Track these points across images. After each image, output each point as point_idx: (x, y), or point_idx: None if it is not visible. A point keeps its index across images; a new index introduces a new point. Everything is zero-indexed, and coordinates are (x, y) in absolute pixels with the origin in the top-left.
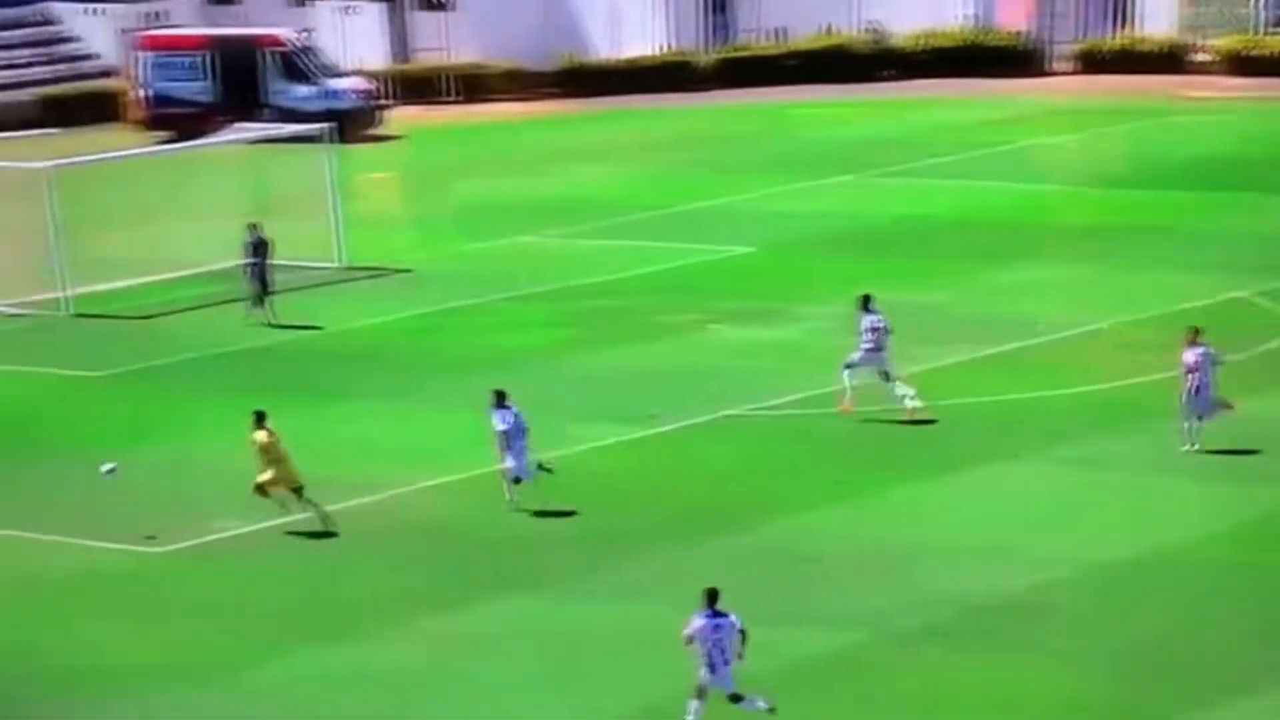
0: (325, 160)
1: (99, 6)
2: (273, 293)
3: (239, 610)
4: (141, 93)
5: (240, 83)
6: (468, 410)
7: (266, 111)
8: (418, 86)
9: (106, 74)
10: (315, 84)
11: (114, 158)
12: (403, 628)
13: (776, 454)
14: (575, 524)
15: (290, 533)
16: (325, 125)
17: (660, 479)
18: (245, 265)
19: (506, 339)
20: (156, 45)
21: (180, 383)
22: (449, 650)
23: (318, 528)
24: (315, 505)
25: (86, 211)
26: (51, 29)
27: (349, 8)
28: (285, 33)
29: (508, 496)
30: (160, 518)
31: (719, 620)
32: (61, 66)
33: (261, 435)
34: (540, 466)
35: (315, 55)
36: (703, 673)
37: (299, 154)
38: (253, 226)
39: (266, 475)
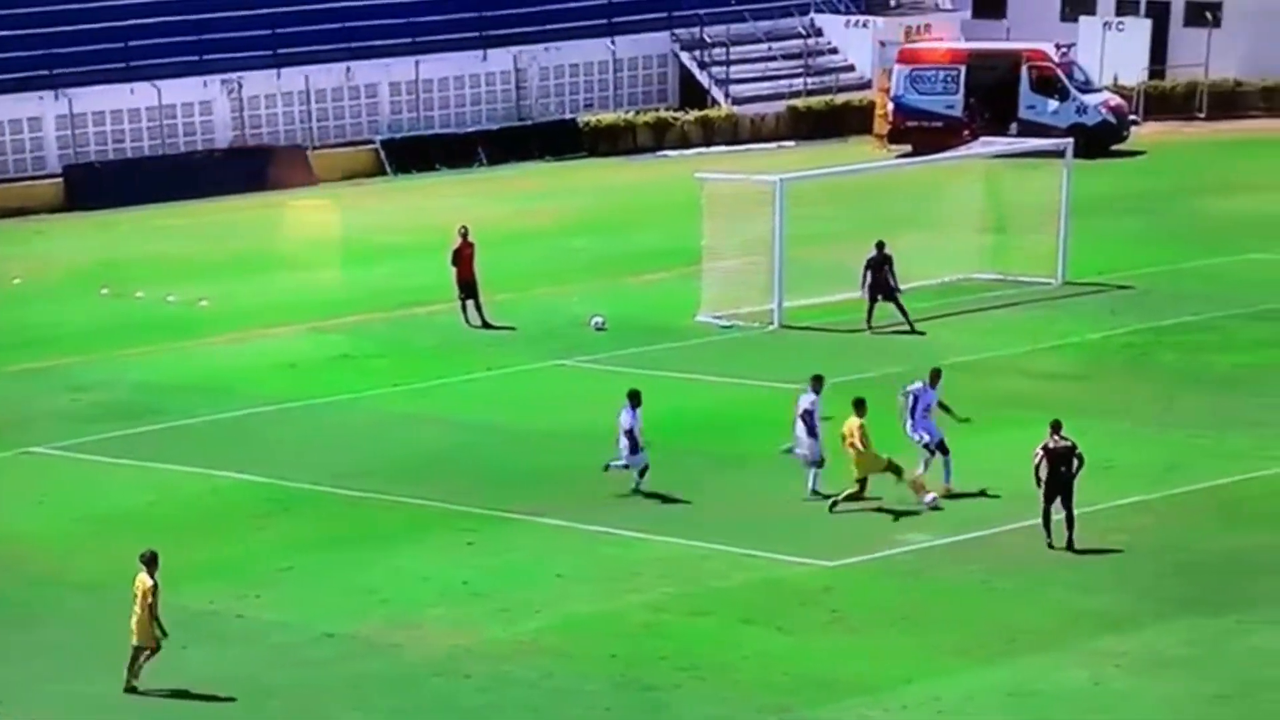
0: (1060, 176)
1: (865, 19)
2: (896, 301)
3: (907, 626)
4: (889, 106)
5: (993, 97)
6: (1177, 430)
7: (1015, 126)
8: (1170, 103)
9: (861, 87)
10: (1067, 99)
11: (841, 172)
12: (1074, 647)
13: None
14: (1263, 548)
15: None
16: (1066, 140)
17: None
18: (862, 277)
19: (1222, 357)
20: (913, 59)
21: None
22: (1118, 670)
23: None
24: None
25: (809, 226)
26: (814, 41)
27: (1117, 23)
28: (1047, 47)
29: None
30: (846, 530)
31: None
32: (818, 79)
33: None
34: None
35: (1072, 70)
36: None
37: (1036, 169)
38: (879, 244)
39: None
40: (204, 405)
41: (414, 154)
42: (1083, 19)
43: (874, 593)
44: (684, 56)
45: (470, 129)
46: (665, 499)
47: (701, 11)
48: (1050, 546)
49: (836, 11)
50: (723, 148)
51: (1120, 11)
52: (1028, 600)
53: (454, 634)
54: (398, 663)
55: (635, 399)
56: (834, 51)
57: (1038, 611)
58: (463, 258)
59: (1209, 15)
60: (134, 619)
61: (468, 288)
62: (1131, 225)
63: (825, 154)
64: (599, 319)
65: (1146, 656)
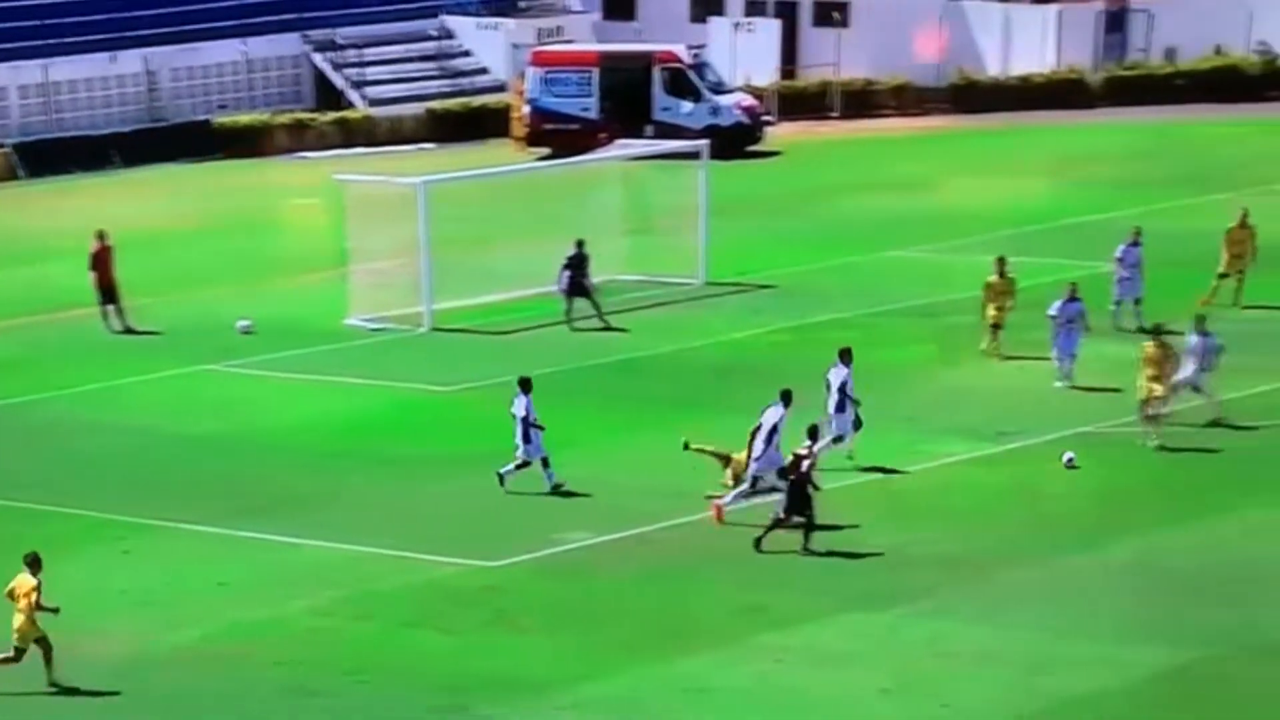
0: (698, 177)
1: (495, 21)
2: (591, 298)
3: (573, 624)
4: (526, 109)
5: (628, 99)
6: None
7: (651, 128)
8: (805, 102)
9: (496, 89)
10: (701, 100)
11: (483, 175)
12: (739, 643)
13: (1128, 471)
14: (923, 541)
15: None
16: (702, 142)
17: (1007, 497)
18: (560, 276)
19: (867, 354)
20: (546, 61)
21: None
22: (781, 666)
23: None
24: None
25: (455, 228)
26: (447, 43)
27: (747, 24)
28: (678, 49)
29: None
30: (506, 530)
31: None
32: (453, 81)
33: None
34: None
35: (704, 72)
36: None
37: (674, 171)
38: (579, 243)
39: None
40: None
41: (47, 157)
42: (712, 20)
43: (539, 592)
44: (317, 58)
45: (103, 131)
46: (321, 503)
47: (332, 13)
48: (757, 547)
49: (467, 14)
50: (362, 149)
51: (749, 12)
52: (693, 597)
53: (115, 644)
54: (60, 674)
55: (525, 385)
56: (467, 54)
57: (703, 608)
58: (101, 261)
59: (836, 15)
60: (17, 621)
61: (108, 292)
62: (770, 225)
63: (465, 157)
64: (246, 323)
65: (812, 651)
